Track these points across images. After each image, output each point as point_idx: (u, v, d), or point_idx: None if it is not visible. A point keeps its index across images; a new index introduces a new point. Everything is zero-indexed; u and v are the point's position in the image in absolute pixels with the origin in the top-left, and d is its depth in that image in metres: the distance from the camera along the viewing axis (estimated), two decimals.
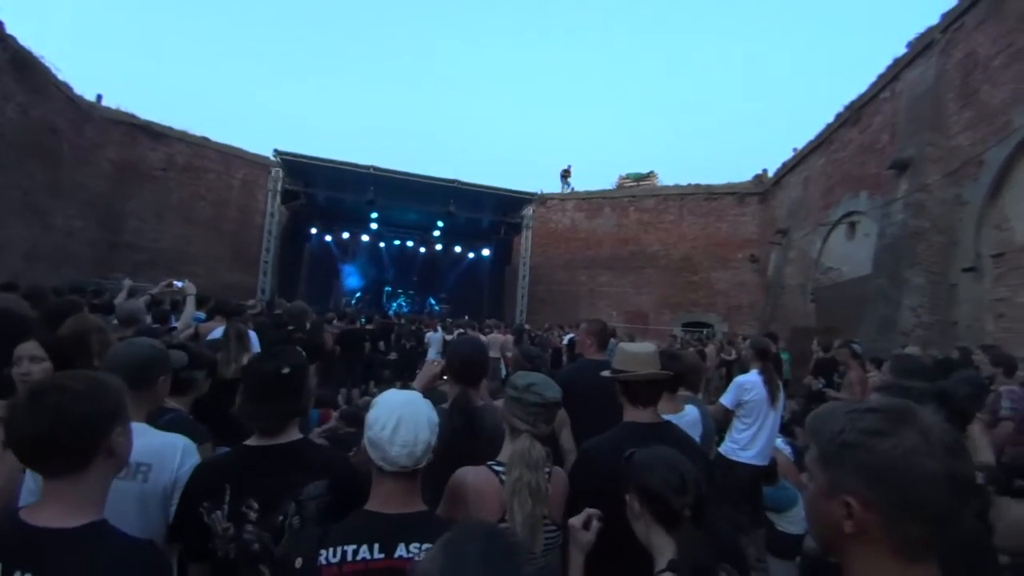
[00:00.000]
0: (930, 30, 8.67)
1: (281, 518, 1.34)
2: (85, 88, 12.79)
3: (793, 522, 3.44)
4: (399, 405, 1.17)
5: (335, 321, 9.41)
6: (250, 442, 1.46)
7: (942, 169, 7.99)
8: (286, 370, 1.47)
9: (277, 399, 1.45)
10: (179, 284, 4.89)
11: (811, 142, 12.97)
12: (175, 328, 3.81)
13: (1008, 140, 6.84)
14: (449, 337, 8.81)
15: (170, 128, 14.73)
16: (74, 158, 12.10)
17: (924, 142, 8.26)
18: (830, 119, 12.04)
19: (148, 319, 4.57)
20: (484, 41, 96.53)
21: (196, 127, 16.12)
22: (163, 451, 1.56)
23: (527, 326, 12.50)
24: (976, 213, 7.37)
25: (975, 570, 1.12)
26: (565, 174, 19.96)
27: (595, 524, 1.31)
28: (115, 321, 3.76)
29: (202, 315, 4.79)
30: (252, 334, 4.18)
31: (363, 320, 9.51)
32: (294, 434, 1.48)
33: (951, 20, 8.17)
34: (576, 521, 1.33)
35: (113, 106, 13.78)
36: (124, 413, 1.14)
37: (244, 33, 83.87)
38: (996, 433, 3.77)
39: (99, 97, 13.54)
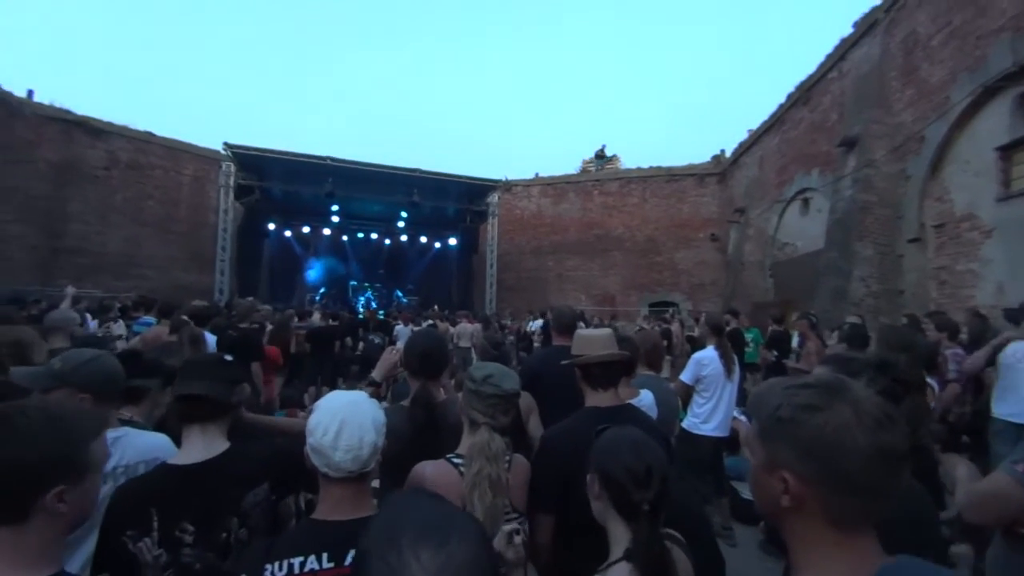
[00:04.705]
0: (874, 10, 8.93)
1: (225, 534, 1.27)
2: (14, 84, 11.97)
3: None
4: (341, 408, 1.10)
5: (296, 320, 9.19)
6: (174, 461, 1.38)
7: (887, 145, 8.31)
8: (228, 357, 1.52)
9: (211, 377, 1.43)
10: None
11: (765, 122, 13.30)
12: (121, 336, 3.64)
13: (947, 116, 7.15)
14: (417, 329, 8.72)
15: (110, 124, 13.86)
16: (5, 159, 11.31)
17: (870, 119, 8.56)
18: (782, 99, 12.36)
19: (88, 327, 4.35)
20: (444, 31, 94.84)
21: (138, 121, 15.26)
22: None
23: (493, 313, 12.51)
24: (919, 186, 7.71)
25: (921, 539, 1.16)
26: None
27: (517, 539, 1.26)
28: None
29: (152, 320, 4.59)
30: (209, 336, 4.03)
31: (330, 318, 9.31)
32: (221, 444, 1.40)
33: None
34: (497, 543, 1.27)
35: (46, 102, 12.92)
36: (78, 464, 0.95)
37: (185, 20, 80.00)
38: (943, 396, 3.99)
39: (30, 93, 12.66)
